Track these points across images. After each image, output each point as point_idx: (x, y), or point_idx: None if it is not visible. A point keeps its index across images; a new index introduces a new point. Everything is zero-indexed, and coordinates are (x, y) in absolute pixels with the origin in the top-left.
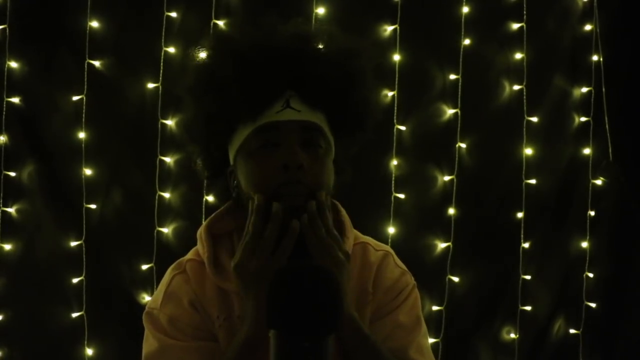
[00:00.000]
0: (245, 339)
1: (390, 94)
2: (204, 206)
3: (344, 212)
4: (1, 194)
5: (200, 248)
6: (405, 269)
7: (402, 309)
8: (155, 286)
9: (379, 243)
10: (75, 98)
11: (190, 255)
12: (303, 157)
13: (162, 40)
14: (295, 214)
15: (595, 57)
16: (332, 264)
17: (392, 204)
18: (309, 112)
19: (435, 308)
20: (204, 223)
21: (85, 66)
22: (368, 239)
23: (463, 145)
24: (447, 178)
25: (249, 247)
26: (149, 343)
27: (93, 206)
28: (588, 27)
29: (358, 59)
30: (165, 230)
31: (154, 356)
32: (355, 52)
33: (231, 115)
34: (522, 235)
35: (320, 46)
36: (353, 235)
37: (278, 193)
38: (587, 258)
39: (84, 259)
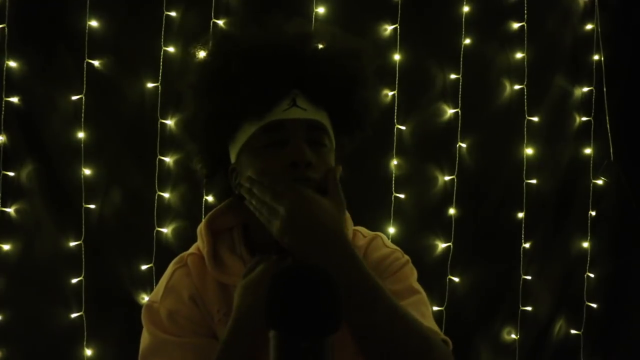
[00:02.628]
0: (244, 333)
1: (390, 94)
2: (203, 206)
3: None
4: (0, 194)
5: (200, 243)
6: (396, 248)
7: (392, 280)
8: (154, 286)
9: (369, 231)
10: (74, 98)
11: (192, 249)
12: (310, 155)
13: (162, 39)
14: None
15: (596, 57)
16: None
17: (392, 204)
18: (314, 111)
19: (435, 308)
20: (204, 219)
21: (85, 66)
22: (359, 228)
23: (463, 145)
24: (447, 178)
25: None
26: (144, 338)
27: (92, 206)
28: (589, 27)
29: (360, 60)
30: (164, 230)
31: (149, 351)
32: (357, 52)
33: (237, 112)
34: (522, 236)
35: (324, 46)
36: (352, 231)
37: None
38: (588, 258)
39: (83, 259)
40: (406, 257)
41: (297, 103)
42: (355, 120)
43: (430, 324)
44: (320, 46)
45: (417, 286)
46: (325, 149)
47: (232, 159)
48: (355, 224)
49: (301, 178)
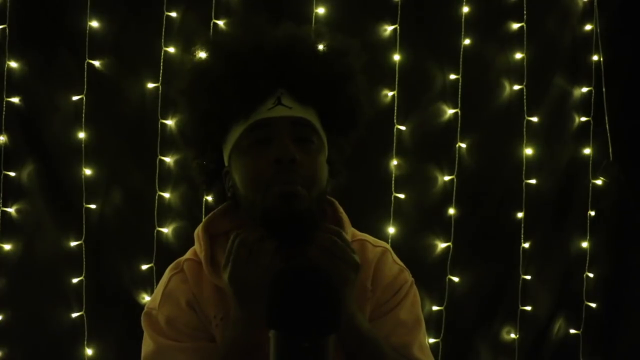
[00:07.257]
0: (238, 343)
1: (390, 94)
2: (203, 206)
3: (341, 209)
4: (1, 194)
5: (197, 247)
6: (403, 265)
7: (402, 307)
8: (155, 286)
9: (377, 240)
10: (75, 98)
11: (188, 255)
12: (295, 151)
13: (162, 40)
14: (288, 201)
15: (595, 57)
16: (345, 269)
17: (392, 204)
18: (300, 109)
19: (435, 308)
20: (201, 223)
21: (85, 66)
22: (365, 236)
23: (463, 145)
24: (447, 178)
25: (240, 258)
26: (147, 344)
27: (93, 206)
28: (588, 27)
29: (345, 58)
30: (165, 230)
31: (152, 357)
32: (342, 51)
33: (224, 114)
34: (522, 235)
35: (309, 45)
36: (351, 232)
37: (271, 184)
38: (587, 258)
39: (84, 259)
40: (411, 277)
41: (282, 101)
42: (346, 118)
43: (428, 356)
44: (305, 46)
45: (421, 314)
46: (313, 145)
47: (225, 162)
48: (355, 224)
49: (286, 171)
